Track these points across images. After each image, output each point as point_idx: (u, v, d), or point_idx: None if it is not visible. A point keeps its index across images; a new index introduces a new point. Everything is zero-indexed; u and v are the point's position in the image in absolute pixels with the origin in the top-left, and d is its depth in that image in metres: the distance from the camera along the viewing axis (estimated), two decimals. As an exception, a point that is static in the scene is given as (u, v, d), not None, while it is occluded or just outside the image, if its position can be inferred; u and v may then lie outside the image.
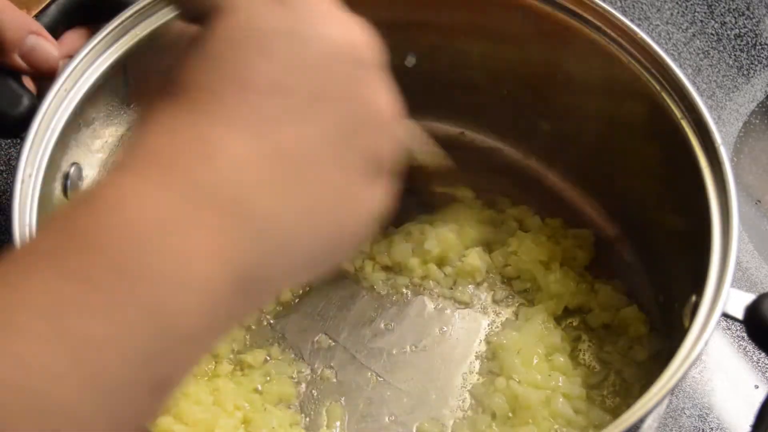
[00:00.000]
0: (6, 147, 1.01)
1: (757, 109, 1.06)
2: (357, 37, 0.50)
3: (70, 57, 0.80)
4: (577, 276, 0.91)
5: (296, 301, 0.90)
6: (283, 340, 0.88)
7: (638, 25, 0.84)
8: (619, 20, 0.84)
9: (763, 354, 0.91)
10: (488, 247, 0.93)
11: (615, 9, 0.85)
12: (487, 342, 0.88)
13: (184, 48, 0.49)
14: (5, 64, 0.79)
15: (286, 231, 0.47)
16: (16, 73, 0.80)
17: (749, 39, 1.12)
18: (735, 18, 1.13)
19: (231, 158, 0.46)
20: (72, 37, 0.84)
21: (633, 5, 1.14)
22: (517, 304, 0.91)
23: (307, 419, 0.84)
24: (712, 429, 0.87)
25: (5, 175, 0.99)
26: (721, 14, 1.13)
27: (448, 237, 0.92)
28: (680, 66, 0.82)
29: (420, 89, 0.98)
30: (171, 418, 0.79)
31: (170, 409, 0.78)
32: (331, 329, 0.89)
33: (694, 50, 1.11)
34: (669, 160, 0.84)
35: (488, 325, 0.90)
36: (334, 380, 0.86)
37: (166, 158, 0.45)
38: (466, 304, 0.91)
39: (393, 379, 0.86)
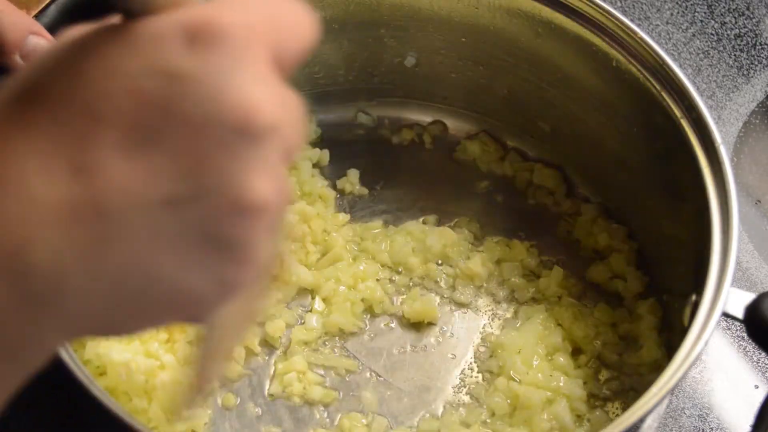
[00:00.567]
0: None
1: (757, 109, 1.06)
2: (263, 107, 0.42)
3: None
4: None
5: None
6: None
7: (638, 25, 0.84)
8: (619, 20, 0.84)
9: (763, 354, 0.91)
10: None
11: (615, 9, 0.85)
12: (487, 342, 0.88)
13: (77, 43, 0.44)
14: (6, 65, 0.79)
15: (68, 295, 0.41)
16: (16, 73, 0.80)
17: (749, 39, 1.12)
18: (735, 18, 1.13)
19: (25, 204, 0.40)
20: (72, 37, 0.84)
21: (633, 5, 1.14)
22: (516, 305, 0.91)
23: (308, 417, 0.84)
24: (712, 429, 0.87)
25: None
26: (721, 14, 1.13)
27: (450, 235, 0.92)
28: (680, 66, 0.83)
29: (420, 89, 0.99)
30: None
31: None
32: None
33: (694, 50, 1.11)
34: (669, 160, 0.84)
35: (487, 325, 0.90)
36: (335, 379, 0.86)
37: None
38: (466, 305, 0.91)
39: (393, 378, 0.86)
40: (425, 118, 1.00)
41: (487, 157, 0.98)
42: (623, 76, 0.85)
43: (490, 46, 0.92)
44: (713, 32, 1.12)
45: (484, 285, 0.92)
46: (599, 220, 0.94)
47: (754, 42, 1.12)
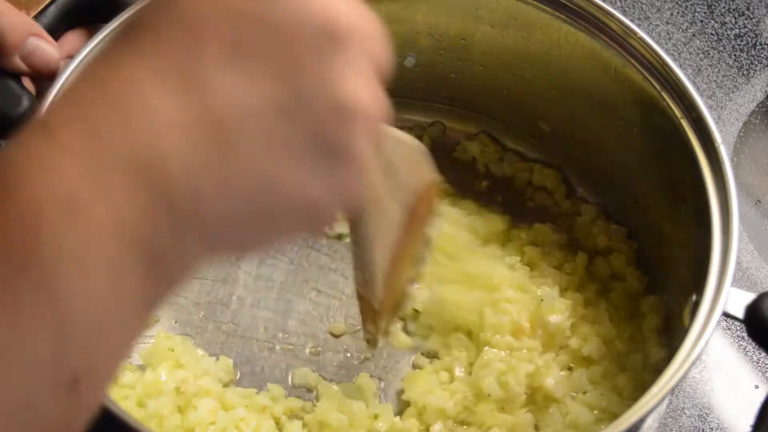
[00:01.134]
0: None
1: (757, 109, 1.06)
2: (345, 13, 0.46)
3: (70, 58, 0.80)
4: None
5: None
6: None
7: (638, 25, 0.84)
8: (619, 20, 0.84)
9: (763, 354, 0.91)
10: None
11: (615, 9, 0.85)
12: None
13: None
14: (6, 66, 0.79)
15: (203, 206, 0.43)
16: (16, 75, 0.80)
17: (749, 39, 1.12)
18: (735, 18, 1.13)
19: (152, 120, 0.42)
20: (72, 38, 0.84)
21: (633, 5, 1.14)
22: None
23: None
24: (712, 429, 0.87)
25: (5, 176, 0.99)
26: (721, 14, 1.13)
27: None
28: (680, 66, 0.82)
29: (419, 89, 0.99)
30: None
31: None
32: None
33: (694, 50, 1.11)
34: (669, 160, 0.84)
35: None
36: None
37: (89, 119, 0.42)
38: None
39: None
40: (425, 118, 1.00)
41: (486, 157, 0.98)
42: (623, 76, 0.85)
43: (490, 46, 0.92)
44: (713, 32, 1.12)
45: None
46: (599, 221, 0.93)
47: (754, 42, 1.12)
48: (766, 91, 1.08)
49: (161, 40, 0.44)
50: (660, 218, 0.88)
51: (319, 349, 0.87)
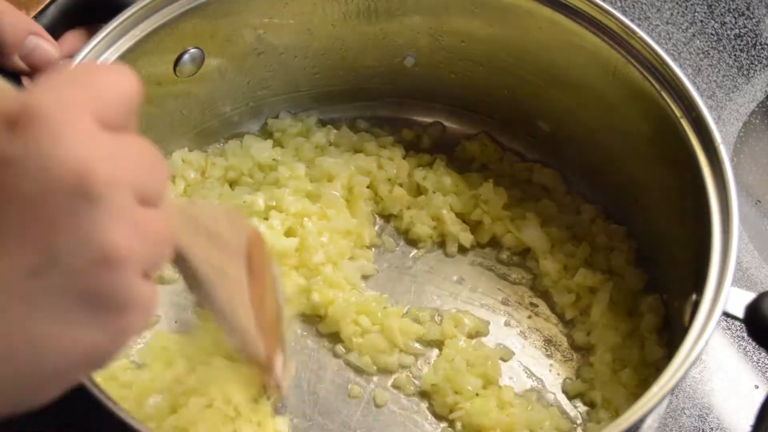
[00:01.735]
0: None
1: (757, 109, 1.06)
2: (99, 164, 0.45)
3: (70, 57, 0.80)
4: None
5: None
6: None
7: (638, 25, 0.84)
8: (619, 20, 0.84)
9: (763, 354, 0.91)
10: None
11: (615, 9, 0.85)
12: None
13: None
14: (6, 65, 0.79)
15: None
16: (15, 74, 0.80)
17: (749, 39, 1.12)
18: (735, 18, 1.13)
19: None
20: (72, 37, 0.84)
21: (633, 5, 1.14)
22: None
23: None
24: (712, 429, 0.87)
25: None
26: (721, 14, 1.13)
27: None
28: (680, 66, 0.83)
29: (420, 89, 0.99)
30: None
31: None
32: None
33: (694, 50, 1.11)
34: (669, 160, 0.84)
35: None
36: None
37: None
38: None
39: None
40: (425, 118, 1.00)
41: (486, 157, 0.98)
42: (623, 76, 0.85)
43: (489, 46, 0.92)
44: (713, 32, 1.12)
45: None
46: (598, 220, 0.93)
47: (754, 42, 1.12)
48: (766, 91, 1.08)
49: None
50: (660, 218, 0.88)
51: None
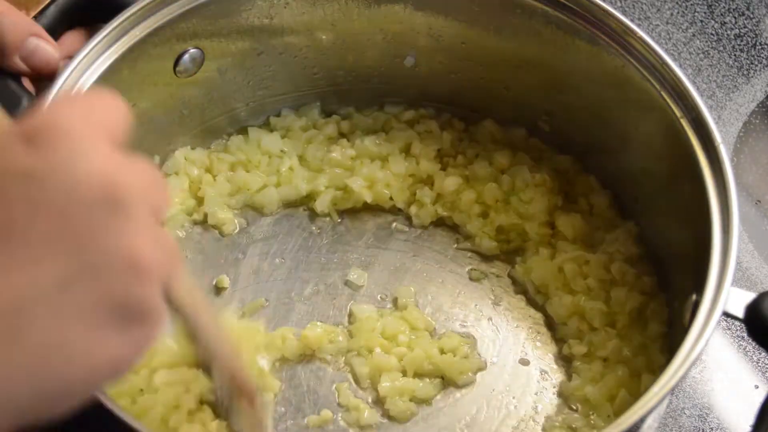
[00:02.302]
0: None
1: (757, 109, 1.06)
2: (122, 176, 0.48)
3: (70, 58, 0.80)
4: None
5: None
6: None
7: (638, 25, 0.84)
8: (619, 20, 0.84)
9: (763, 354, 0.91)
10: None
11: (615, 9, 0.85)
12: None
13: None
14: (6, 66, 0.79)
15: None
16: (15, 75, 0.80)
17: (749, 39, 1.12)
18: (735, 18, 1.13)
19: None
20: (71, 38, 0.84)
21: (633, 5, 1.14)
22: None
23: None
24: (712, 429, 0.87)
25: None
26: (721, 14, 1.14)
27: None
28: (680, 66, 0.83)
29: (419, 89, 0.99)
30: None
31: None
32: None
33: (694, 50, 1.11)
34: (669, 160, 0.84)
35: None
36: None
37: None
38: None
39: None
40: (424, 117, 1.00)
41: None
42: (623, 76, 0.85)
43: (489, 46, 0.92)
44: (713, 32, 1.12)
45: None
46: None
47: (754, 42, 1.12)
48: (766, 91, 1.08)
49: None
50: (660, 218, 0.88)
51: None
